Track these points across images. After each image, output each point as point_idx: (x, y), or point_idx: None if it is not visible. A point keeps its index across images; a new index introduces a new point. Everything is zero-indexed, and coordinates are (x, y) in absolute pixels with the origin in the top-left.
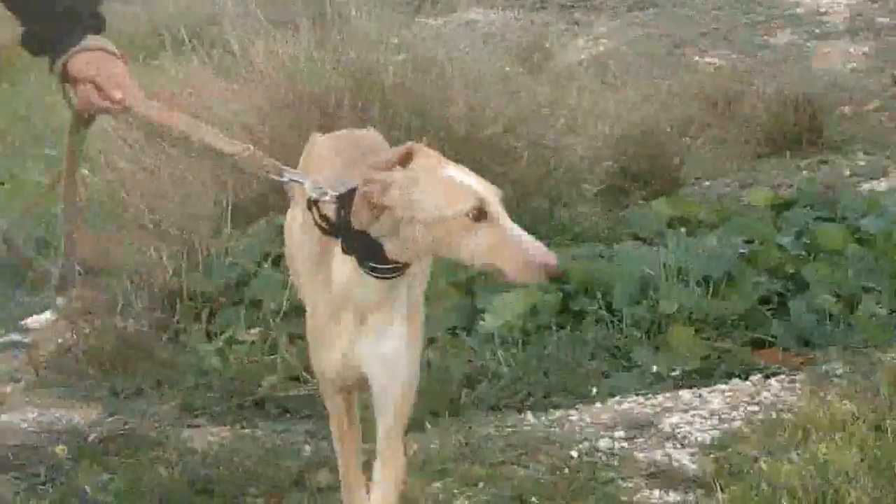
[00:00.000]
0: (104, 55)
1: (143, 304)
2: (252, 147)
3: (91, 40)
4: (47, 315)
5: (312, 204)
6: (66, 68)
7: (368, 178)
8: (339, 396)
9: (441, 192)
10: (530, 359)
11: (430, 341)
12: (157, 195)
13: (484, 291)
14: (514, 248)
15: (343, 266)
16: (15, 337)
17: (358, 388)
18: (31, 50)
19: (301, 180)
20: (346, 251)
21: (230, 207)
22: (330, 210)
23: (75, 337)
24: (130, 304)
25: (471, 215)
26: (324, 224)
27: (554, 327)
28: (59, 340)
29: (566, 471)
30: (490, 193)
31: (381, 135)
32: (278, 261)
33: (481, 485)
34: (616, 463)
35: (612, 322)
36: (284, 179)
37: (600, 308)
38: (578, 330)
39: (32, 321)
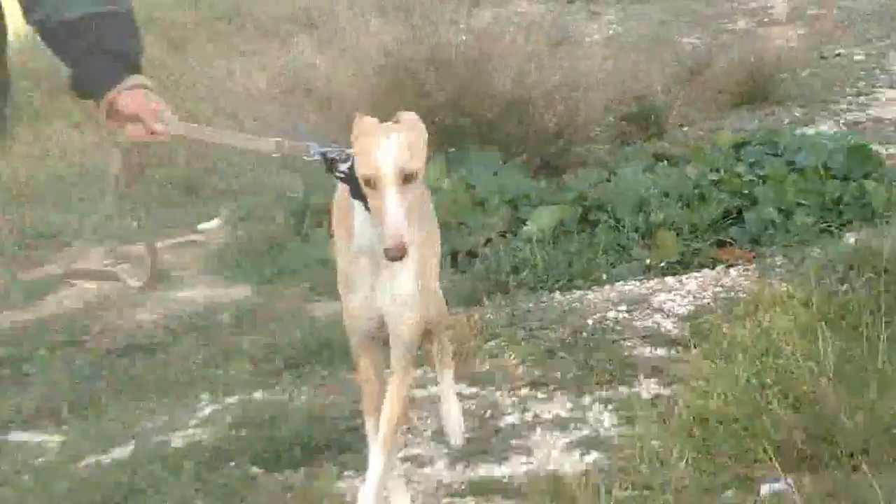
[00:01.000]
0: (144, 91)
1: (283, 214)
2: (280, 139)
3: (131, 80)
4: (215, 221)
5: (330, 163)
6: (111, 105)
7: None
8: (367, 360)
9: (359, 159)
10: (558, 254)
11: (487, 241)
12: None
13: (525, 206)
14: (385, 218)
15: (359, 217)
16: (192, 237)
17: (378, 335)
18: (79, 92)
19: (324, 150)
20: (353, 196)
21: None
22: (343, 167)
23: (234, 237)
24: (273, 214)
25: (366, 181)
26: (340, 175)
27: (575, 232)
28: (223, 239)
29: (584, 334)
30: (386, 164)
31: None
32: None
33: (523, 343)
34: (619, 328)
35: (617, 228)
36: (314, 156)
37: (609, 218)
38: (593, 234)
39: (204, 225)
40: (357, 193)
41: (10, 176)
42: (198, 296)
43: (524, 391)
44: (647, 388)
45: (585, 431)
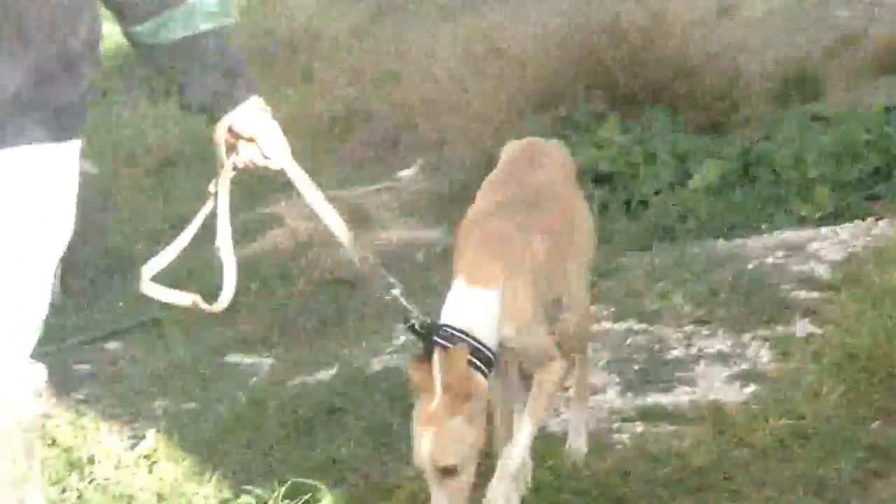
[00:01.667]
0: (260, 114)
1: (468, 164)
2: (354, 243)
3: (250, 100)
4: (412, 170)
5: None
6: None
7: None
8: None
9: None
10: (721, 205)
11: (657, 192)
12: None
13: (692, 160)
14: None
15: None
16: (389, 183)
17: None
18: (192, 109)
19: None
20: None
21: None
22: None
23: (428, 184)
24: (461, 165)
25: None
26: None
27: (737, 185)
28: (418, 186)
29: (744, 277)
30: (424, 461)
31: (563, 150)
32: None
33: (688, 284)
34: (777, 273)
35: (776, 182)
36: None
37: (769, 173)
38: (754, 187)
39: (402, 173)
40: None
41: None
42: (395, 236)
43: (689, 328)
44: (802, 327)
45: (745, 366)
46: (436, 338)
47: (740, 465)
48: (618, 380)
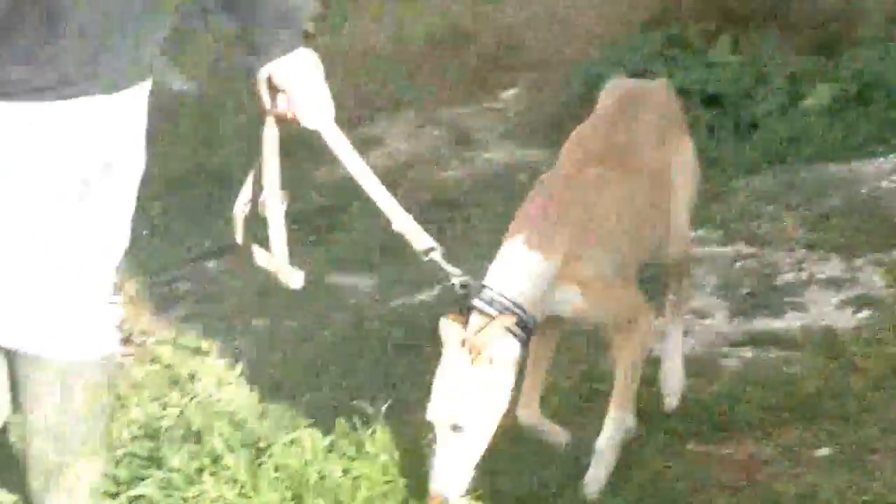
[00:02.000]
0: (305, 70)
1: (573, 84)
2: (411, 218)
3: (296, 51)
4: (515, 90)
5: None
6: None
7: None
8: None
9: None
10: (834, 127)
11: (767, 115)
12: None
13: (805, 82)
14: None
15: None
16: (493, 105)
17: None
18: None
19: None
20: None
21: None
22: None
23: (531, 104)
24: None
25: None
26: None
27: (851, 107)
28: (521, 107)
29: (858, 201)
30: (434, 415)
31: (665, 90)
32: None
33: (800, 209)
34: (892, 196)
35: (891, 105)
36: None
37: (884, 96)
38: (868, 110)
39: (505, 94)
40: None
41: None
42: (497, 157)
43: (800, 252)
44: None
45: (857, 290)
46: (474, 301)
47: (852, 392)
48: (726, 304)
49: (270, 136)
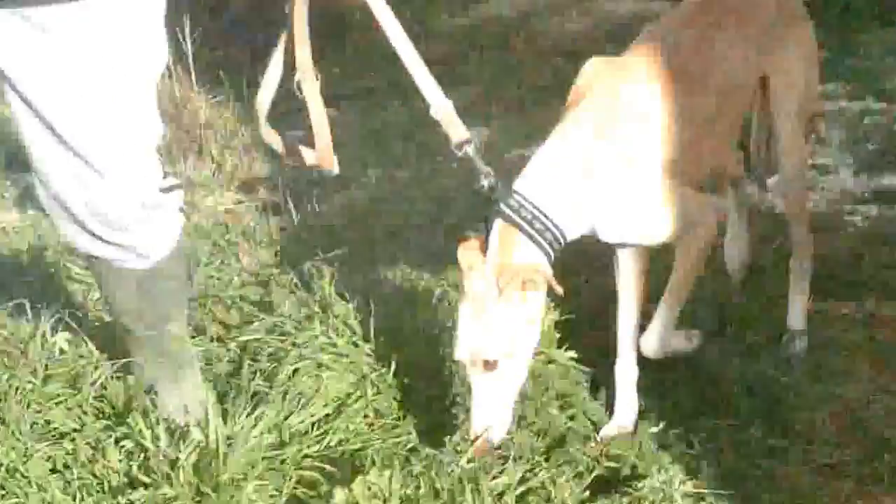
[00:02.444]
0: None
1: None
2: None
3: None
4: None
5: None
6: None
7: None
8: None
9: None
10: None
11: None
12: None
13: None
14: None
15: None
16: None
17: None
18: None
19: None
20: None
21: None
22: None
23: None
24: None
25: None
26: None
27: None
28: None
29: None
30: (462, 353)
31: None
32: None
33: None
34: None
35: None
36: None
37: None
38: None
39: None
40: None
41: None
42: (620, 8)
43: None
44: None
45: None
46: (499, 206)
47: None
48: (851, 160)
49: (300, 12)
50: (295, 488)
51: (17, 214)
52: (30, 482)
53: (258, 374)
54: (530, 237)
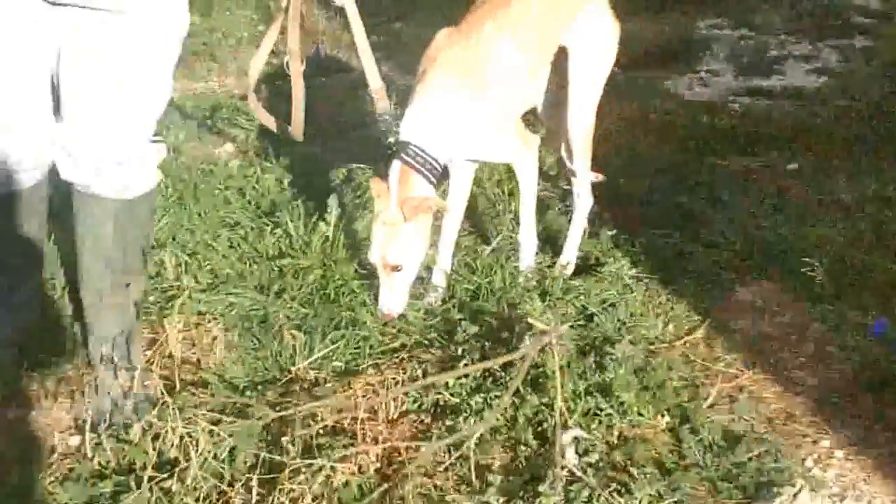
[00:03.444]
0: None
1: None
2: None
3: None
4: None
5: None
6: None
7: None
8: None
9: None
10: None
11: None
12: None
13: None
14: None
15: None
16: None
17: None
18: None
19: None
20: None
21: None
22: None
23: None
24: None
25: None
26: None
27: None
28: None
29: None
30: (374, 256)
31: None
32: None
33: (782, 10)
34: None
35: None
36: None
37: None
38: None
39: None
40: None
41: None
42: None
43: (783, 37)
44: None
45: (819, 64)
46: (401, 155)
47: (810, 128)
48: (732, 68)
49: (296, 3)
50: None
51: None
52: (217, 252)
53: None
54: (421, 174)
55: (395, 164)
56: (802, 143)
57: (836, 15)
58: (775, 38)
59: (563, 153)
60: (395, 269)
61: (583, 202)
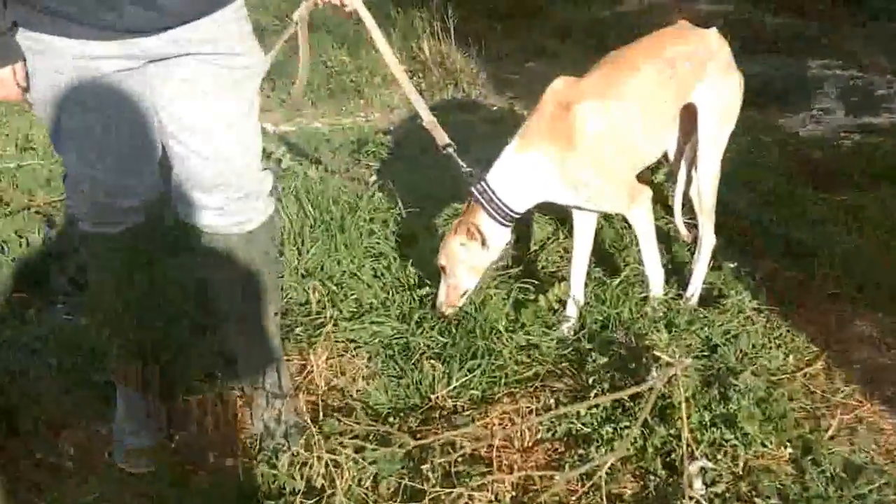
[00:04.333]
0: None
1: None
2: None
3: None
4: None
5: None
6: None
7: None
8: None
9: None
10: None
11: None
12: None
13: None
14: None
15: None
16: None
17: None
18: None
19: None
20: None
21: None
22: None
23: None
24: None
25: None
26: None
27: None
28: None
29: None
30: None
31: (716, 37)
32: None
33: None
34: None
35: None
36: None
37: None
38: None
39: None
40: None
41: None
42: None
43: (889, 76)
44: None
45: None
46: (471, 188)
47: None
48: (843, 106)
49: (304, 19)
50: None
51: None
52: (362, 282)
53: None
54: (486, 211)
55: (470, 200)
56: None
57: None
58: (882, 77)
59: (692, 195)
60: (443, 269)
61: (707, 241)
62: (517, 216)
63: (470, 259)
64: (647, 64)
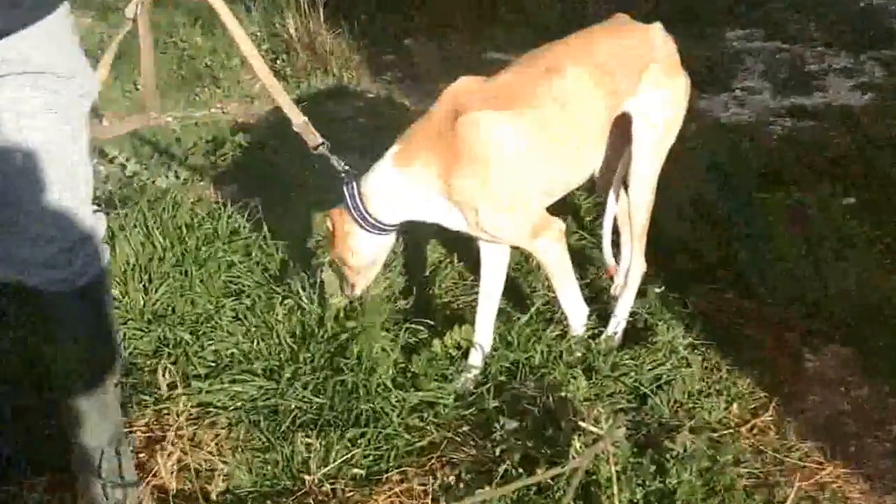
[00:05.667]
0: None
1: None
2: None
3: None
4: None
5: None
6: None
7: None
8: None
9: None
10: None
11: None
12: None
13: None
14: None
15: None
16: None
17: None
18: None
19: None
20: None
21: None
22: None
23: None
24: None
25: None
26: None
27: None
28: None
29: (857, 9)
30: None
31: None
32: None
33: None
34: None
35: None
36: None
37: None
38: None
39: None
40: None
41: None
42: None
43: (820, 48)
44: None
45: (863, 78)
46: (344, 187)
47: (864, 154)
48: (770, 85)
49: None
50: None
51: None
52: (221, 328)
53: None
54: (351, 216)
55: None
56: (857, 173)
57: (876, 23)
58: (812, 49)
59: (619, 220)
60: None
61: (636, 269)
62: (391, 228)
63: (342, 253)
64: (573, 66)
